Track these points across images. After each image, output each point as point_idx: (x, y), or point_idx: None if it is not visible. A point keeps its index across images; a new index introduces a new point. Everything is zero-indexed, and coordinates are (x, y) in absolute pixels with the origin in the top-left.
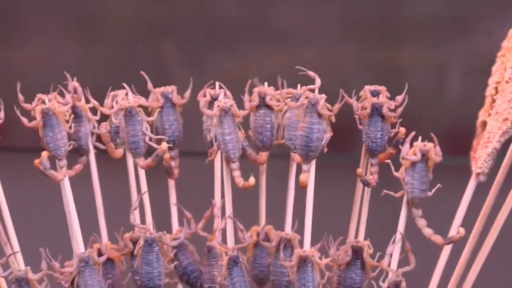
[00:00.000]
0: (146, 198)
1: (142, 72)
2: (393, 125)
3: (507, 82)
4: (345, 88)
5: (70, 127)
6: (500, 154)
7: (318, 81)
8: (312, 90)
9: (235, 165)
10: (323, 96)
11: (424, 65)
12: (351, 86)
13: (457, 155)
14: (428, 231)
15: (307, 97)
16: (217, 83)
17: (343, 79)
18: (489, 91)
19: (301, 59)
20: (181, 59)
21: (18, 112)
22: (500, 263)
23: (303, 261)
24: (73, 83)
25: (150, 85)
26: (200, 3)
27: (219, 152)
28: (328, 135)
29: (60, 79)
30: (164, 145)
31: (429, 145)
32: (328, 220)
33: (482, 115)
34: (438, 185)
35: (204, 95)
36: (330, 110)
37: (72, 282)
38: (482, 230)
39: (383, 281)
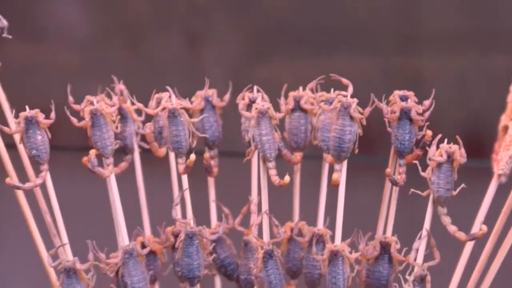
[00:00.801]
0: (187, 195)
1: (168, 87)
2: (420, 128)
3: None
4: (372, 93)
5: (116, 127)
6: None
7: (350, 87)
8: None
9: (271, 164)
10: (355, 100)
11: (447, 74)
12: (379, 92)
13: (478, 157)
14: (452, 228)
15: (340, 101)
16: (255, 87)
17: (371, 86)
18: (511, 97)
19: (331, 66)
20: (220, 65)
21: (68, 113)
22: None
23: (334, 255)
24: (120, 86)
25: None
26: (239, 16)
27: (256, 152)
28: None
29: (107, 83)
30: (193, 156)
31: (454, 147)
32: (357, 217)
33: (504, 120)
34: (463, 185)
35: (243, 98)
36: (362, 114)
37: (117, 273)
38: (503, 228)
39: (409, 274)
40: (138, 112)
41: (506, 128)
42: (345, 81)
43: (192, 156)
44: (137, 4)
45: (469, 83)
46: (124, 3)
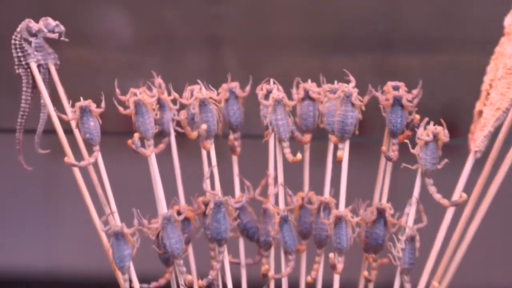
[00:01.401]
0: (215, 170)
1: (198, 81)
2: (410, 113)
3: (499, 79)
4: (366, 87)
5: (156, 114)
6: (493, 136)
7: (353, 81)
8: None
9: (285, 144)
10: (356, 89)
11: (430, 69)
12: (374, 84)
13: (457, 137)
14: (437, 196)
15: (343, 91)
16: (271, 80)
17: (365, 79)
18: (485, 86)
19: (332, 64)
20: (242, 63)
21: (115, 103)
22: (493, 221)
23: (339, 220)
24: (158, 80)
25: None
26: (257, 22)
27: (272, 134)
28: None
29: (147, 78)
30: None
31: (439, 128)
32: (358, 188)
33: (478, 106)
34: (445, 160)
35: (262, 89)
36: (361, 101)
37: (157, 236)
38: (479, 195)
39: (401, 235)
40: (174, 101)
41: (480, 112)
42: (351, 77)
43: (204, 126)
44: (170, 15)
45: (449, 77)
46: (159, 14)
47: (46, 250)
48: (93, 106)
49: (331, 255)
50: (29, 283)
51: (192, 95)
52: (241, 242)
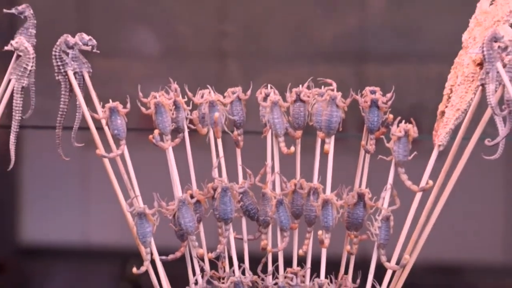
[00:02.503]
0: (222, 161)
1: (208, 86)
2: (384, 113)
3: (458, 85)
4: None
5: (172, 114)
6: (453, 132)
7: (334, 84)
8: (332, 90)
9: (281, 139)
10: (340, 93)
11: (400, 77)
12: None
13: (423, 133)
14: (408, 183)
15: (329, 94)
16: (269, 85)
17: (346, 85)
18: (446, 91)
19: (319, 73)
20: (244, 72)
21: (139, 104)
22: (454, 204)
23: (325, 202)
24: (174, 85)
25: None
26: (256, 37)
27: (270, 131)
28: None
29: (165, 83)
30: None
31: (409, 125)
32: (341, 175)
33: (441, 107)
34: (415, 152)
35: (261, 93)
36: (344, 103)
37: (173, 216)
38: (442, 182)
39: (378, 215)
40: (187, 103)
41: (443, 112)
42: (329, 81)
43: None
44: (183, 31)
45: (416, 83)
46: (174, 31)
47: (80, 226)
48: (120, 107)
49: (319, 232)
50: (67, 252)
51: (202, 97)
52: (244, 221)
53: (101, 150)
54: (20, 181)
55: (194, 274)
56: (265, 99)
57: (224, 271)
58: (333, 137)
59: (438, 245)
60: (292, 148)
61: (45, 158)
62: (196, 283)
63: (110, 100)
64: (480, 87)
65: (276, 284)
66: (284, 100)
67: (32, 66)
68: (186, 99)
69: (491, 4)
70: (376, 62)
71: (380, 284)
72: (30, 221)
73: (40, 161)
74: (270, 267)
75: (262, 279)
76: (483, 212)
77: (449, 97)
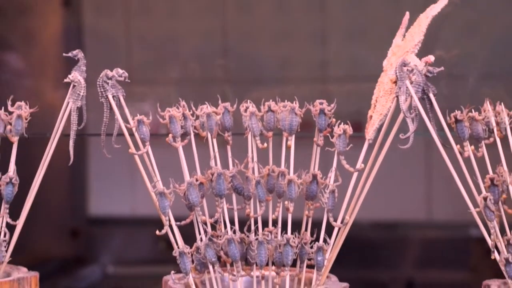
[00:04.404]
0: (217, 155)
1: (206, 102)
2: (329, 118)
3: (381, 97)
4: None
5: (181, 122)
6: (378, 130)
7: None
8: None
9: (257, 138)
10: (297, 104)
11: (342, 91)
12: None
13: (359, 131)
14: (347, 166)
15: (290, 106)
16: (248, 101)
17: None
18: (373, 101)
19: (286, 91)
20: (232, 92)
21: (158, 116)
22: (379, 181)
23: (290, 181)
24: (183, 103)
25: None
26: (239, 58)
27: (250, 132)
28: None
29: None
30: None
31: (346, 126)
32: (301, 163)
33: (370, 112)
34: (351, 144)
35: (243, 106)
36: (300, 111)
37: (184, 194)
38: (371, 166)
39: (327, 189)
40: (192, 115)
41: (371, 116)
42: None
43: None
44: (192, 66)
45: (354, 96)
46: (186, 65)
47: (130, 201)
48: (145, 119)
49: (286, 202)
50: (118, 221)
51: (202, 109)
52: (234, 196)
53: (132, 149)
54: (89, 170)
55: (199, 234)
56: (246, 110)
57: (221, 231)
58: (294, 136)
59: (373, 208)
60: (265, 144)
61: (99, 156)
62: (201, 240)
63: (138, 114)
64: (396, 98)
65: (257, 239)
66: (259, 110)
67: (83, 92)
68: (191, 112)
69: (402, 39)
70: (331, 82)
71: (330, 238)
72: (95, 198)
73: (100, 157)
74: (252, 228)
75: (247, 236)
76: (407, 183)
77: (375, 105)
